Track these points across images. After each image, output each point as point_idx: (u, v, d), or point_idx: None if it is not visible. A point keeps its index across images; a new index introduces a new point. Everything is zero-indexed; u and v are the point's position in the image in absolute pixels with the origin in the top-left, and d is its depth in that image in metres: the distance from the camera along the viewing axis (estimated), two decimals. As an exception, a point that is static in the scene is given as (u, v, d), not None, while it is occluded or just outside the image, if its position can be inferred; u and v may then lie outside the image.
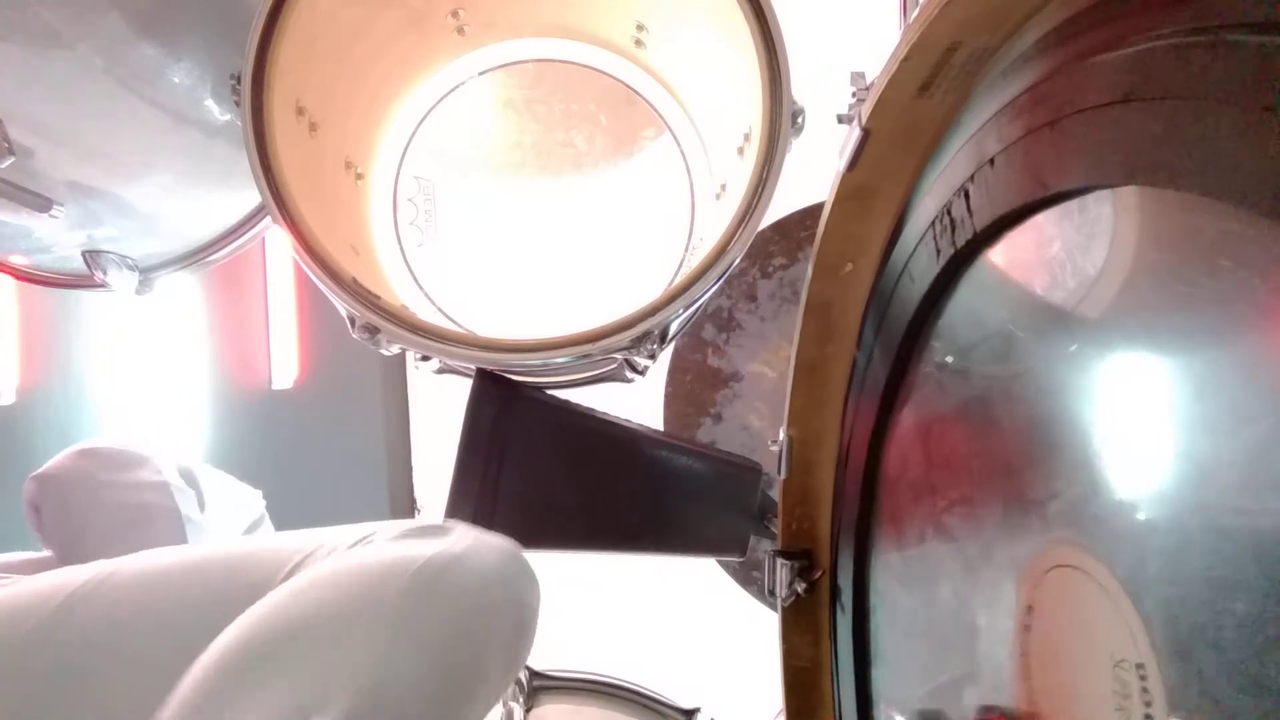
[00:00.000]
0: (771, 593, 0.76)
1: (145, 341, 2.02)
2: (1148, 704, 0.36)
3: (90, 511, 0.95)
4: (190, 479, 1.05)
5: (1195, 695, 0.34)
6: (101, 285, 1.09)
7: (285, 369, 2.08)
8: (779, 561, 0.75)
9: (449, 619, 0.59)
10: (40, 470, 0.99)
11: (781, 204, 0.84)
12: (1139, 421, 0.38)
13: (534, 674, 1.16)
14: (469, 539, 0.65)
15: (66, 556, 0.91)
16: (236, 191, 1.12)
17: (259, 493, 1.17)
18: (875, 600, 0.66)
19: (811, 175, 0.78)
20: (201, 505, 1.04)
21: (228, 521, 1.10)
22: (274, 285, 2.05)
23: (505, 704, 1.05)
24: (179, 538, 0.97)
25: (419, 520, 0.70)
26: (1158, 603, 0.36)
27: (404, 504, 2.06)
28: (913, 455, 0.62)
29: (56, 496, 0.97)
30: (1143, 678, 0.36)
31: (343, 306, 0.81)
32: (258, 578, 0.66)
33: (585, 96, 1.09)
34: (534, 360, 0.80)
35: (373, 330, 0.80)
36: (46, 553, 0.97)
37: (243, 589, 0.64)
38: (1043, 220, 0.46)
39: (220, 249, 1.18)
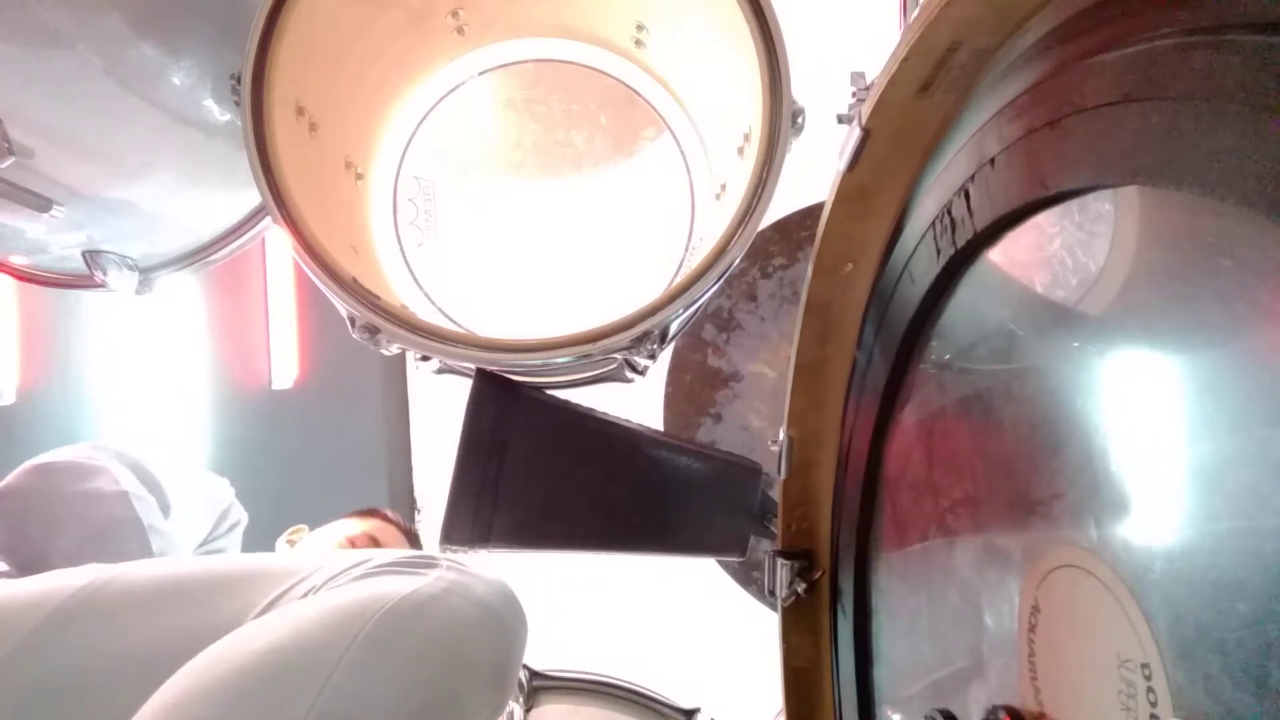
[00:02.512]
0: (771, 593, 0.76)
1: (145, 341, 2.02)
2: (1153, 704, 0.36)
3: (50, 528, 0.92)
4: (152, 483, 1.03)
5: (1200, 695, 0.33)
6: (101, 285, 1.09)
7: (285, 369, 2.08)
8: (779, 561, 0.75)
9: (416, 660, 0.58)
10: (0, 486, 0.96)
11: (781, 204, 0.84)
12: (1142, 421, 0.38)
13: (534, 674, 1.16)
14: (449, 579, 0.64)
15: (28, 572, 0.89)
16: (236, 191, 1.12)
17: (225, 480, 1.16)
18: (876, 600, 0.66)
19: (811, 175, 0.78)
20: (166, 508, 1.02)
21: (197, 517, 1.09)
22: (274, 285, 2.05)
23: (505, 704, 1.05)
24: (143, 548, 0.95)
25: (409, 552, 0.69)
26: (1162, 603, 0.36)
27: (404, 504, 2.06)
28: (914, 455, 0.62)
29: (13, 514, 0.94)
30: (1148, 678, 0.36)
31: (343, 306, 0.81)
32: (242, 603, 0.66)
33: (585, 96, 1.09)
34: (534, 360, 0.80)
35: (373, 330, 0.80)
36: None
37: (228, 614, 0.64)
38: (1043, 220, 0.46)
39: (220, 249, 1.17)
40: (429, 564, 0.66)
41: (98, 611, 0.67)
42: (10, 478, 0.97)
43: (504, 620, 0.64)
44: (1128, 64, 0.38)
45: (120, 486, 0.96)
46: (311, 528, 1.30)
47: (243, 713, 0.54)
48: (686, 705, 1.21)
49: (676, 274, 1.05)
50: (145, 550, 0.95)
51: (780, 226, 1.35)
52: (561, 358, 0.80)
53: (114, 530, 0.93)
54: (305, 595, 0.66)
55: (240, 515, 1.16)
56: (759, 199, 0.78)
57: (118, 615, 0.67)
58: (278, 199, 0.80)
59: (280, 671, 0.56)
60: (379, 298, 0.81)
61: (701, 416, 1.43)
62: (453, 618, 0.61)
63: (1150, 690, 0.36)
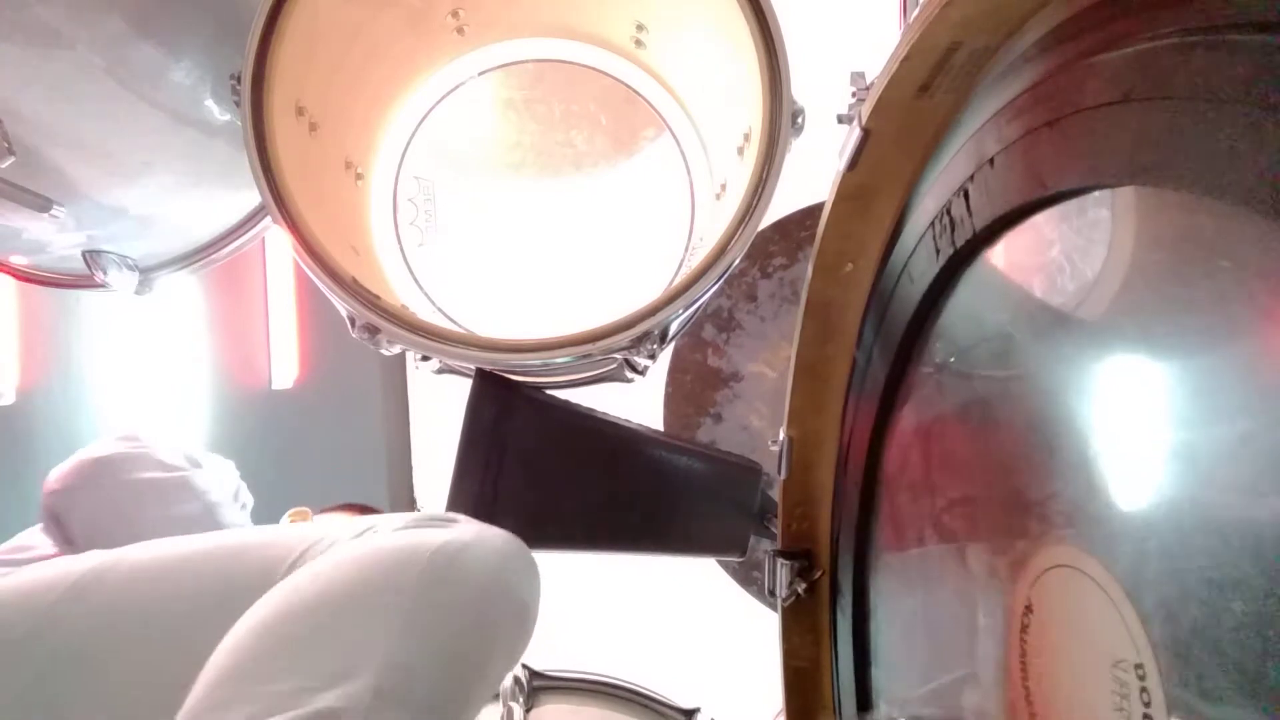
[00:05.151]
0: (771, 593, 0.76)
1: (145, 341, 2.02)
2: (1146, 704, 0.36)
3: (127, 516, 0.94)
4: (191, 459, 1.07)
5: (1194, 695, 0.34)
6: (101, 285, 1.10)
7: (285, 369, 2.08)
8: (779, 561, 0.75)
9: (465, 601, 0.62)
10: (57, 484, 0.97)
11: (781, 204, 0.84)
12: (1137, 422, 0.38)
13: (534, 674, 1.16)
14: (474, 528, 0.68)
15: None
16: (236, 191, 1.12)
17: (230, 463, 1.18)
18: (875, 600, 0.66)
19: (811, 175, 0.78)
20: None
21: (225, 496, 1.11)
22: (274, 285, 2.05)
23: (505, 704, 1.05)
24: (214, 523, 1.00)
25: (421, 513, 0.71)
26: (1156, 602, 0.36)
27: (404, 504, 2.06)
28: (912, 455, 0.62)
29: (84, 507, 0.96)
30: (1141, 678, 0.36)
31: (343, 306, 0.81)
32: (264, 565, 0.67)
33: (585, 96, 1.09)
34: (534, 360, 0.80)
35: (373, 330, 0.80)
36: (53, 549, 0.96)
37: (250, 575, 0.66)
38: (1042, 220, 0.46)
39: (220, 249, 1.18)
40: (450, 519, 0.69)
41: (116, 581, 0.68)
42: (69, 471, 0.98)
43: (527, 568, 0.69)
44: (1128, 64, 0.38)
45: (184, 469, 1.01)
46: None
47: (300, 659, 0.55)
48: (686, 705, 1.21)
49: (676, 274, 1.05)
50: (215, 525, 1.01)
51: (780, 226, 1.35)
52: (561, 358, 0.80)
53: (189, 512, 0.98)
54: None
55: (248, 498, 1.18)
56: (759, 199, 0.78)
57: (137, 583, 0.68)
58: (278, 199, 0.80)
59: (335, 615, 0.59)
60: (379, 298, 0.81)
61: (701, 416, 1.43)
62: (485, 562, 0.65)
63: (1144, 691, 0.36)
